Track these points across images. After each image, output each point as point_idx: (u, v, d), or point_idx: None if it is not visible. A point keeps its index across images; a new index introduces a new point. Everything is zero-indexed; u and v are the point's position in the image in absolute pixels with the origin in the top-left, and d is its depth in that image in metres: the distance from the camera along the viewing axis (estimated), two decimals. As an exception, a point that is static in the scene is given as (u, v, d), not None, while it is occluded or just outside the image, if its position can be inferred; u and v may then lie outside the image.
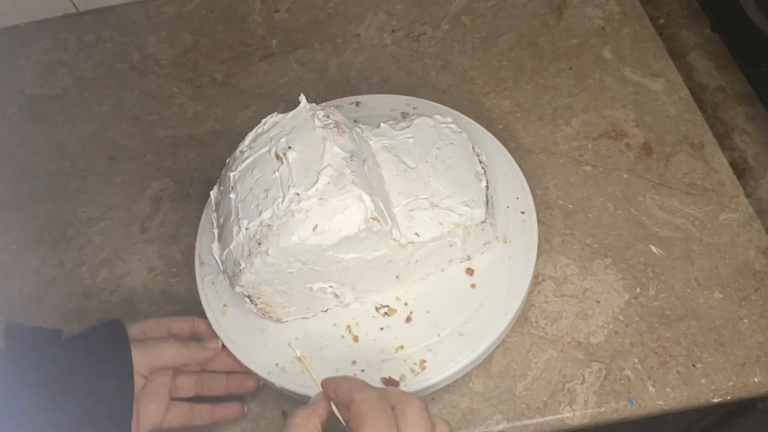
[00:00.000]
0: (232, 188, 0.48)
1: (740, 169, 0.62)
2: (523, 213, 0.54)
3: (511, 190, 0.56)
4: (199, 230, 0.57)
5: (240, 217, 0.46)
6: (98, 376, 0.44)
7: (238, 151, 0.50)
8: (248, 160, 0.49)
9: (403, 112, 0.62)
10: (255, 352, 0.51)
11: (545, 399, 0.51)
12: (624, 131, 0.64)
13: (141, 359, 0.46)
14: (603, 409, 0.50)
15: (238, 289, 0.47)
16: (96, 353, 0.46)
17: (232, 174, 0.49)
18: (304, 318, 0.52)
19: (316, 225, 0.43)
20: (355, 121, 0.61)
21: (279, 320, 0.52)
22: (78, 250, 0.63)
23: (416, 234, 0.48)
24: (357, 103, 0.64)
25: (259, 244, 0.44)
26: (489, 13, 0.75)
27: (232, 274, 0.47)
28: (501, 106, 0.67)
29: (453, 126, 0.54)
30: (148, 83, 0.74)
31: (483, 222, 0.49)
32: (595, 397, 0.50)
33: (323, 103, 0.64)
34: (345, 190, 0.44)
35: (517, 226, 0.54)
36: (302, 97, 0.49)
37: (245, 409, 0.52)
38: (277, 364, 0.50)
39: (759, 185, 0.61)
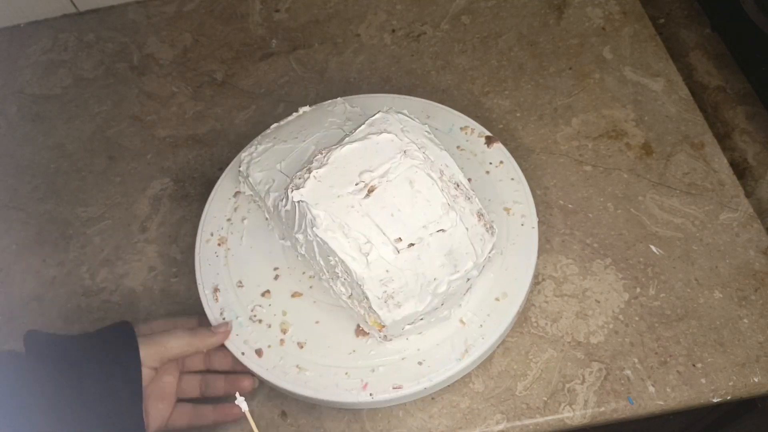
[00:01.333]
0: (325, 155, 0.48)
1: (740, 169, 0.62)
2: (497, 300, 0.52)
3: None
4: (200, 230, 0.57)
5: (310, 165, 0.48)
6: (108, 377, 0.45)
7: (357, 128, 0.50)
8: (355, 144, 0.48)
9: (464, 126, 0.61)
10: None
11: (545, 399, 0.51)
12: (624, 131, 0.64)
13: (149, 352, 0.47)
14: (603, 409, 0.50)
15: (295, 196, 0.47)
16: (105, 355, 0.46)
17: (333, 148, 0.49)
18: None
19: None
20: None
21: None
22: (78, 250, 0.63)
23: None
24: (428, 116, 0.61)
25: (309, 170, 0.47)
26: (489, 13, 0.75)
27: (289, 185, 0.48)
28: (501, 106, 0.67)
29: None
30: (148, 83, 0.74)
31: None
32: (595, 397, 0.50)
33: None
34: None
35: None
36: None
37: (246, 408, 0.52)
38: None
39: (759, 185, 0.61)
